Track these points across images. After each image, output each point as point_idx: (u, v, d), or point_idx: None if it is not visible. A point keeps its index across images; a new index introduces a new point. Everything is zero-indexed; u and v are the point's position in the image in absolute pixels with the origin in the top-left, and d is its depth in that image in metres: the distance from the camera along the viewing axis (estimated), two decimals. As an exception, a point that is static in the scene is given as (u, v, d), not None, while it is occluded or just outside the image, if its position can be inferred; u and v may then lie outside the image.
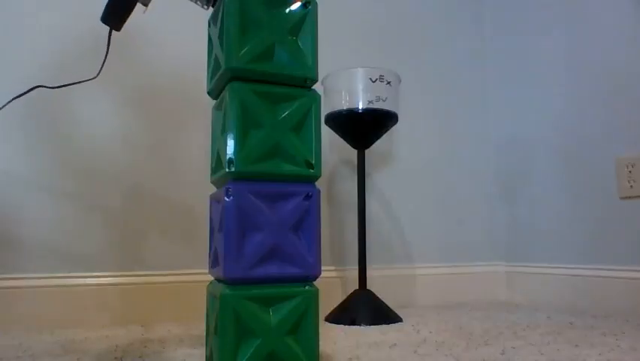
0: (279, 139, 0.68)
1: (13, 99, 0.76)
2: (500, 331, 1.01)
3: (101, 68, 0.74)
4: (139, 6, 0.70)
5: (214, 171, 0.73)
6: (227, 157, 0.65)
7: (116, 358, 0.80)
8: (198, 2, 0.75)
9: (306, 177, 0.69)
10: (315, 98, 0.71)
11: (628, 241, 1.23)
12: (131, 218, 1.21)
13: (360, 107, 1.18)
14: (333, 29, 1.50)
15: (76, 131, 1.19)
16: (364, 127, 1.21)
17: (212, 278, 0.77)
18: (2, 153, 1.13)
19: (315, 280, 0.69)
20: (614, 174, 1.27)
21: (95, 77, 0.76)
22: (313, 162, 0.69)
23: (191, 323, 1.16)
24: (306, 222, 0.68)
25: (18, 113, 1.15)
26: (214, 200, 0.74)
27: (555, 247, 1.43)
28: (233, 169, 0.65)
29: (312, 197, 0.69)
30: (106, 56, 0.73)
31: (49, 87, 0.75)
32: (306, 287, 0.67)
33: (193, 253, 1.25)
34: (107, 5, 0.67)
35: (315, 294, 0.68)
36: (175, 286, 1.21)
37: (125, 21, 0.69)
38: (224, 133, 0.68)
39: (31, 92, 1.13)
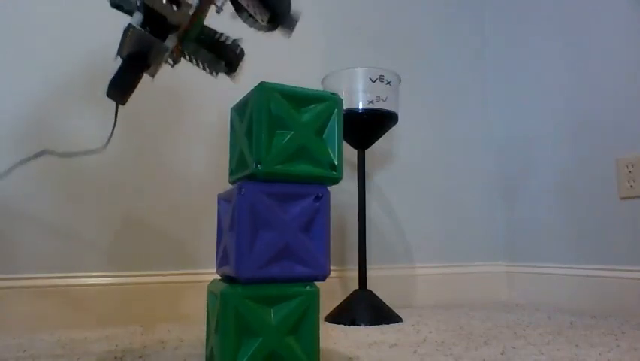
0: (305, 142, 0.69)
1: (18, 163, 0.76)
2: (500, 331, 1.01)
3: (109, 139, 0.72)
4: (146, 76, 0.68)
5: (234, 171, 0.74)
6: (255, 159, 0.66)
7: (116, 358, 0.80)
8: (214, 73, 0.74)
9: (329, 179, 0.71)
10: (337, 102, 0.72)
11: (628, 241, 1.23)
12: (131, 218, 1.21)
13: (360, 107, 1.18)
14: (334, 29, 1.50)
15: (76, 131, 1.19)
16: (364, 127, 1.21)
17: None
18: (2, 153, 1.13)
19: (324, 280, 0.69)
20: (614, 174, 1.27)
21: (103, 148, 0.75)
22: (336, 163, 0.71)
23: (191, 323, 1.16)
24: (317, 223, 0.69)
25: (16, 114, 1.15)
26: (223, 199, 0.74)
27: (555, 247, 1.43)
28: (260, 168, 0.66)
29: (323, 198, 0.69)
30: (113, 128, 0.71)
31: (56, 154, 0.74)
32: (307, 287, 0.68)
33: (193, 253, 1.25)
34: (113, 81, 0.64)
35: (316, 294, 0.68)
36: (175, 286, 1.21)
37: (131, 94, 0.65)
38: (249, 135, 0.69)
39: (37, 93, 1.14)
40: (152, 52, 0.61)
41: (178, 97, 1.30)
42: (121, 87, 0.63)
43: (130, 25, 0.58)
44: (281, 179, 0.68)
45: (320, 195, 0.69)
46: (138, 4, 0.58)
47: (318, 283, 0.69)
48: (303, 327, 0.67)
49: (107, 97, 0.63)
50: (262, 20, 0.69)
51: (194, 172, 1.29)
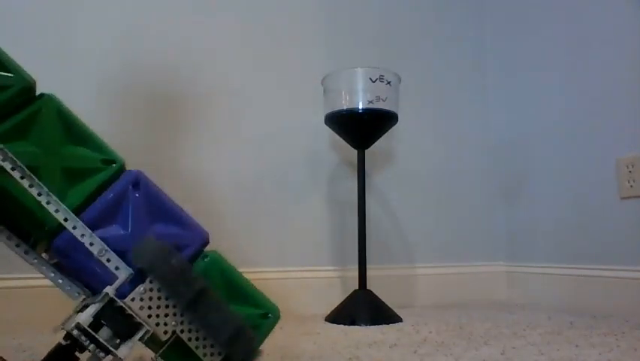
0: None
1: None
2: (500, 331, 1.01)
3: None
4: None
5: None
6: None
7: (116, 358, 0.80)
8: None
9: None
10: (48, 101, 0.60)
11: (628, 241, 1.23)
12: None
13: (360, 107, 1.18)
14: (334, 29, 1.50)
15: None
16: (364, 127, 1.21)
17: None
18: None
19: None
20: (614, 174, 1.27)
21: None
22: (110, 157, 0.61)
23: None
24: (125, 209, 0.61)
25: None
26: None
27: (555, 247, 1.43)
28: None
29: (139, 182, 0.62)
30: None
31: None
32: (269, 316, 0.65)
33: (193, 253, 1.25)
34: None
35: (273, 324, 0.65)
36: (175, 286, 1.21)
37: None
38: None
39: None
40: None
41: (177, 92, 1.30)
42: None
43: (76, 327, 0.54)
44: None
45: (137, 182, 0.62)
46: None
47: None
48: (233, 290, 0.64)
49: None
50: None
51: (195, 170, 1.29)
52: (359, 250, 1.24)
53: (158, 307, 0.58)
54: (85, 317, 0.54)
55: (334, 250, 1.41)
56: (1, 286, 1.08)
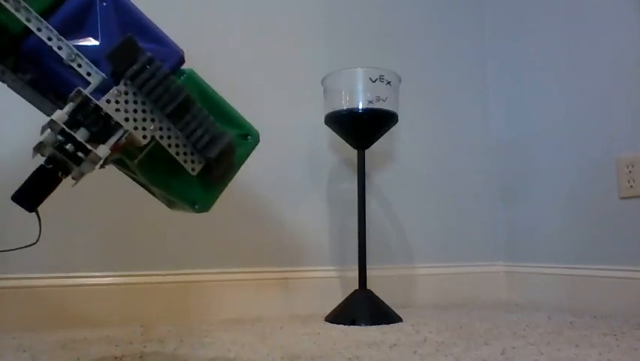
0: None
1: None
2: (500, 331, 1.01)
3: (39, 235, 0.64)
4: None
5: None
6: None
7: (116, 358, 0.80)
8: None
9: None
10: None
11: (628, 241, 1.23)
12: (131, 217, 1.21)
13: (360, 107, 1.18)
14: (334, 29, 1.50)
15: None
16: (364, 127, 1.21)
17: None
18: (2, 149, 1.13)
19: None
20: (614, 174, 1.27)
21: (34, 243, 0.70)
22: None
23: (191, 323, 1.16)
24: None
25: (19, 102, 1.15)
26: None
27: (555, 247, 1.43)
28: None
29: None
30: (40, 226, 0.62)
31: None
32: (249, 138, 0.65)
33: (193, 253, 1.25)
34: (24, 187, 0.56)
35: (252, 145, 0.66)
36: (175, 286, 1.21)
37: (42, 201, 0.57)
38: None
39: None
40: (71, 170, 0.54)
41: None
42: (32, 195, 0.55)
43: (40, 143, 0.51)
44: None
45: None
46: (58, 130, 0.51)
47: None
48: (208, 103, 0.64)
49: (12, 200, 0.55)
50: (193, 170, 0.59)
51: (194, 172, 1.29)
52: (359, 250, 1.24)
53: (135, 110, 0.56)
54: (60, 114, 0.51)
55: (334, 250, 1.41)
56: (1, 286, 1.08)
